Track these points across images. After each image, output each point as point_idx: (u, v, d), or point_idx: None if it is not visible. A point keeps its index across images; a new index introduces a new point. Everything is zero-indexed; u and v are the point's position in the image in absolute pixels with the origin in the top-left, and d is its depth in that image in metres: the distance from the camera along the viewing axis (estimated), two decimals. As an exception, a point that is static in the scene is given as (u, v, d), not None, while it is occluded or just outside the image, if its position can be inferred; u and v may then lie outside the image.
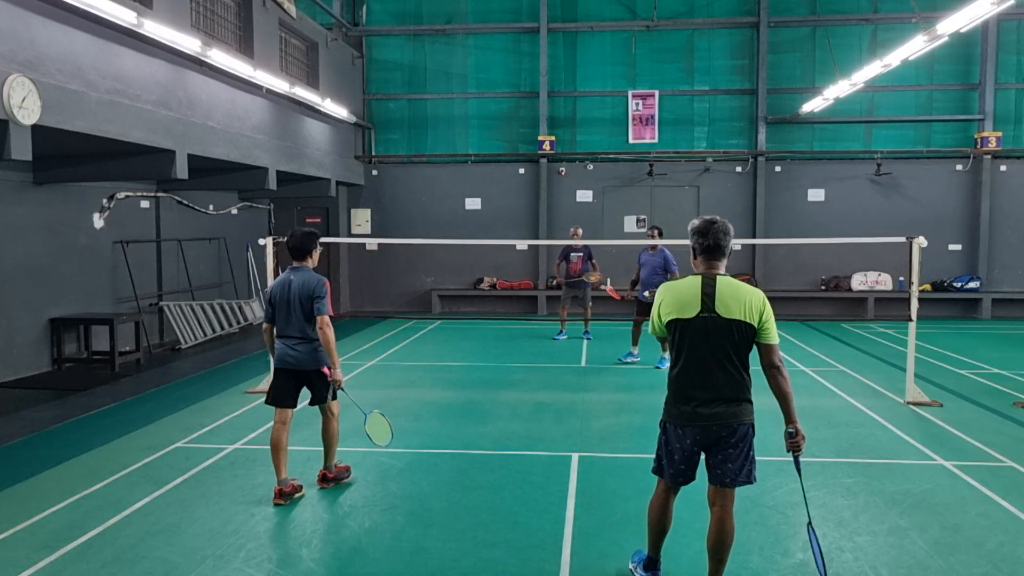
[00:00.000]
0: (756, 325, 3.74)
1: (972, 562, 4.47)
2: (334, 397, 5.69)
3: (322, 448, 5.79)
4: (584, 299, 13.10)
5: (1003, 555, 4.57)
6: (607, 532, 4.93)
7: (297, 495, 5.54)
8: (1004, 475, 6.01)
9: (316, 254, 5.69)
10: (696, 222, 3.92)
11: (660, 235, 10.69)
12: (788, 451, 3.82)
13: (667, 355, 10.37)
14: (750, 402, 3.83)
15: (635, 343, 11.06)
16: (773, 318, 3.79)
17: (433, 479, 5.97)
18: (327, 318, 5.41)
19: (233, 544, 4.75)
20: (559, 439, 7.11)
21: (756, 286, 17.68)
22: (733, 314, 3.72)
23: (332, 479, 5.78)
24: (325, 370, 5.52)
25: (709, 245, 3.84)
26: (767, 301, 3.81)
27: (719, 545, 3.87)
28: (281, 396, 5.59)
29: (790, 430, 3.77)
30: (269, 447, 5.56)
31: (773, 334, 3.78)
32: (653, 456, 4.08)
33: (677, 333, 3.83)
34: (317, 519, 5.19)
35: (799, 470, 3.88)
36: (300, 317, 5.46)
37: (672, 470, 3.92)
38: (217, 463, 6.36)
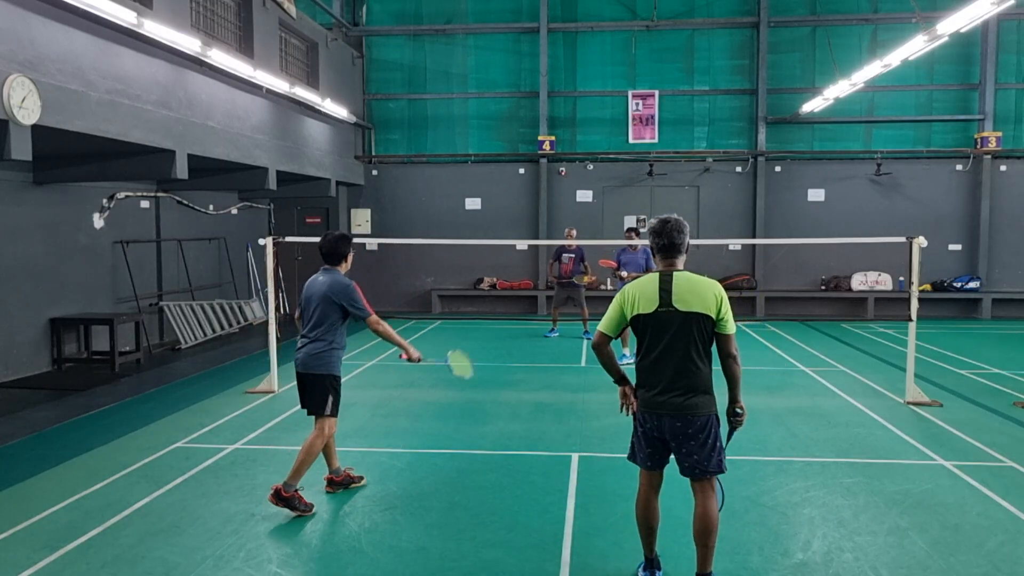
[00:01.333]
0: (714, 317, 3.89)
1: (972, 562, 4.47)
2: (333, 413, 5.41)
3: (333, 454, 5.69)
4: (579, 300, 13.21)
5: (1003, 555, 4.57)
6: (607, 532, 4.93)
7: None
8: (1004, 475, 6.01)
9: (350, 258, 5.59)
10: (653, 222, 4.13)
11: (638, 235, 11.52)
12: (730, 427, 4.07)
13: (626, 351, 10.82)
14: (709, 394, 3.96)
15: (625, 344, 11.17)
16: (730, 309, 3.95)
17: (433, 479, 5.97)
18: (374, 317, 5.44)
19: (233, 544, 4.75)
20: (559, 439, 7.11)
21: (755, 287, 17.70)
22: (692, 307, 3.88)
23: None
24: (403, 356, 5.62)
25: (664, 244, 4.04)
26: (724, 293, 3.98)
27: (703, 531, 4.01)
28: (300, 399, 5.51)
29: (737, 409, 4.02)
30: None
31: (731, 325, 3.95)
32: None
33: (640, 326, 4.00)
34: (317, 519, 5.19)
35: (728, 440, 4.11)
36: (314, 317, 5.38)
37: (642, 454, 4.13)
38: (217, 463, 6.36)
